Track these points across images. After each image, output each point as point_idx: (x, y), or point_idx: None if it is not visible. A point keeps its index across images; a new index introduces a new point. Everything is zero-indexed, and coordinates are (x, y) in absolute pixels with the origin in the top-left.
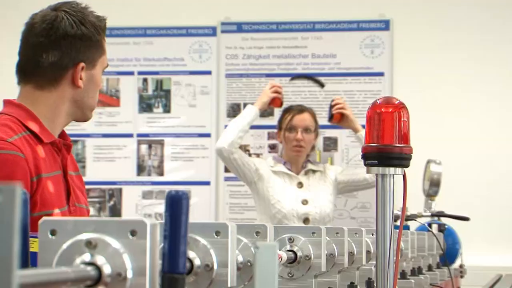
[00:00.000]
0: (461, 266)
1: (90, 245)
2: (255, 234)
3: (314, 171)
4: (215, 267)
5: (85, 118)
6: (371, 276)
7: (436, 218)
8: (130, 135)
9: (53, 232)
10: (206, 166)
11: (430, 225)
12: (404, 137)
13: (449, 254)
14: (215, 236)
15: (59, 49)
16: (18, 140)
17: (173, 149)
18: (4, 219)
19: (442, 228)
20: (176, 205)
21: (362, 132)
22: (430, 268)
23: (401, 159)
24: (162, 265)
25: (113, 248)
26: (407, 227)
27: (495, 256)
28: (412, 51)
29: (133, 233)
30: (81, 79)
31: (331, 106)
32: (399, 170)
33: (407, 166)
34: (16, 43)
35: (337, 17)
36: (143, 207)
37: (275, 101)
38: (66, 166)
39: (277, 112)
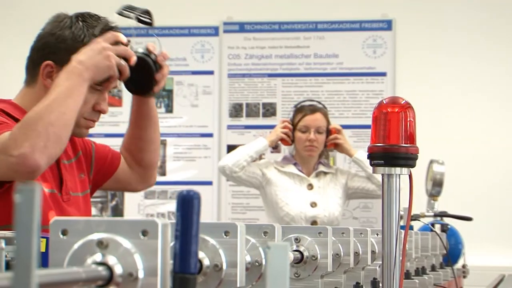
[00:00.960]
0: (463, 266)
1: (101, 245)
2: (263, 234)
3: (325, 173)
4: (224, 267)
5: (73, 132)
6: (376, 276)
7: (438, 218)
8: None
9: (64, 232)
10: (209, 166)
11: (433, 225)
12: (410, 137)
13: (452, 254)
14: (224, 236)
15: (38, 45)
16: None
17: (176, 149)
18: (23, 219)
19: (444, 228)
20: (188, 205)
21: (357, 155)
22: (433, 268)
23: (407, 159)
24: (173, 265)
25: (125, 248)
26: (410, 227)
27: (498, 256)
28: (415, 51)
29: (144, 233)
30: (51, 80)
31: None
32: (405, 170)
33: (413, 166)
34: (16, 43)
35: (340, 17)
36: (145, 207)
37: (284, 141)
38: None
39: (279, 112)
